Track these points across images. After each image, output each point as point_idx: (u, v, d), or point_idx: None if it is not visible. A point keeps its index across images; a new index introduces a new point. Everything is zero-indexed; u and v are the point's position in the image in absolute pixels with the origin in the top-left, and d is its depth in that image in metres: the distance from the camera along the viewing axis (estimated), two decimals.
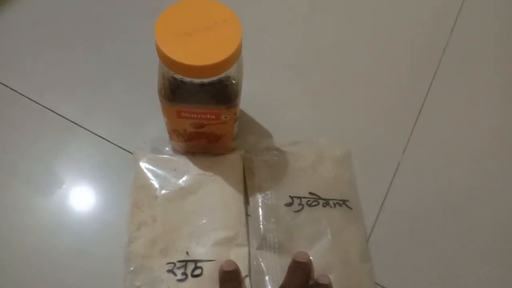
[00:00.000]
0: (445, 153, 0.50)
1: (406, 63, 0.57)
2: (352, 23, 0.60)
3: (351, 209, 0.44)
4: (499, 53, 0.59)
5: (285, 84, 0.54)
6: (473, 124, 0.52)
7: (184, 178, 0.43)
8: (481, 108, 0.54)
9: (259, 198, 0.44)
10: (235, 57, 0.34)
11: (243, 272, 0.40)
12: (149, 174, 0.43)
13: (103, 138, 0.48)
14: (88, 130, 0.49)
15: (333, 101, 0.53)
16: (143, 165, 0.43)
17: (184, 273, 0.39)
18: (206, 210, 0.42)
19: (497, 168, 0.50)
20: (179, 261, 0.39)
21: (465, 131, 0.52)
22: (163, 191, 0.42)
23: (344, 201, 0.44)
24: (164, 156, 0.45)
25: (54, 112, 0.49)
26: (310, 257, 0.39)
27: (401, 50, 0.58)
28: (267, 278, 0.40)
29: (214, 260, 0.39)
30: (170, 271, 0.39)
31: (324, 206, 0.43)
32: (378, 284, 0.42)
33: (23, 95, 0.50)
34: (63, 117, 0.49)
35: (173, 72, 0.35)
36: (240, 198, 0.44)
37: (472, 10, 0.62)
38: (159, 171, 0.43)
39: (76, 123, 0.49)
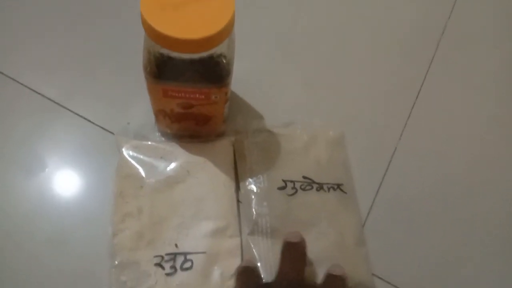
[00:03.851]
0: (443, 139, 0.48)
1: (404, 44, 0.53)
2: (349, 3, 0.56)
3: (346, 193, 0.42)
4: (497, 38, 0.56)
5: (278, 64, 0.50)
6: (472, 110, 0.50)
7: (171, 166, 0.39)
8: (480, 92, 0.51)
9: (251, 182, 0.41)
10: (227, 31, 0.31)
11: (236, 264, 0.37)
12: (133, 163, 0.39)
13: (86, 119, 0.44)
14: (71, 111, 0.45)
15: (327, 82, 0.50)
16: (127, 152, 0.40)
17: (173, 267, 0.36)
18: (195, 199, 0.39)
19: (496, 154, 0.47)
20: (167, 254, 0.36)
21: (463, 116, 0.49)
22: (149, 181, 0.38)
23: (338, 185, 0.42)
24: (150, 143, 0.41)
25: (35, 91, 0.45)
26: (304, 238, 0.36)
27: (399, 31, 0.54)
28: (259, 265, 0.37)
29: (205, 252, 0.37)
30: (158, 264, 0.36)
31: (318, 191, 0.41)
32: (374, 275, 0.40)
33: (1, 73, 0.46)
34: (45, 96, 0.45)
35: (159, 47, 0.31)
36: (231, 186, 0.40)
37: None
38: (145, 159, 0.39)
39: (58, 103, 0.45)
